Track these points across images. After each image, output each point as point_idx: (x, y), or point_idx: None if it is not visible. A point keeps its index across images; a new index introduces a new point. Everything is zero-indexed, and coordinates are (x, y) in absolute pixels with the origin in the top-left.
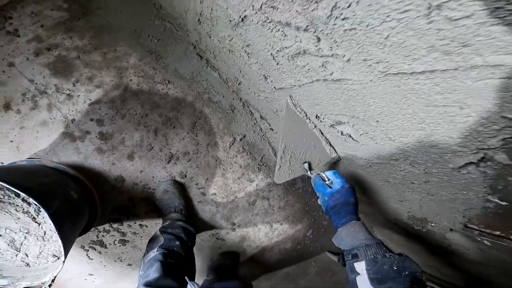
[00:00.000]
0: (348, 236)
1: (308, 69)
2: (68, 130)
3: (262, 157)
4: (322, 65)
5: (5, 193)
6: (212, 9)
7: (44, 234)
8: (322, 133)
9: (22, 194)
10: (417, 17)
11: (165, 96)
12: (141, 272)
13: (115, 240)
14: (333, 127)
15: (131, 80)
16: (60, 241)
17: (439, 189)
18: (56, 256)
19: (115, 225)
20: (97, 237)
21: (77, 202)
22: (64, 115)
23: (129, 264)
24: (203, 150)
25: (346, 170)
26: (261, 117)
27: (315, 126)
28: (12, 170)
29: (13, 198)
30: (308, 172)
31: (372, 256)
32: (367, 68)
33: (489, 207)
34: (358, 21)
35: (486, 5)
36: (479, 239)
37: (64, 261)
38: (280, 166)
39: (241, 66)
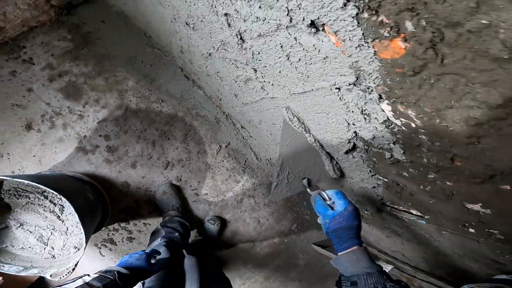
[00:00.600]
0: (349, 262)
1: (256, 90)
2: (81, 145)
3: (245, 161)
4: (262, 87)
5: (35, 196)
6: (188, 45)
7: (67, 230)
8: (322, 147)
9: (51, 195)
10: (285, 61)
11: (160, 113)
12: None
13: (123, 237)
14: None
15: (130, 100)
16: (82, 230)
17: (352, 172)
18: (76, 247)
19: (122, 224)
20: (108, 235)
21: (93, 202)
22: (77, 133)
23: None
24: (194, 157)
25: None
26: (242, 126)
27: (315, 140)
28: (42, 177)
29: (42, 200)
30: (308, 189)
31: (373, 286)
32: (282, 89)
33: (381, 184)
34: (265, 62)
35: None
36: (399, 216)
37: (85, 248)
38: (277, 184)
39: (218, 86)
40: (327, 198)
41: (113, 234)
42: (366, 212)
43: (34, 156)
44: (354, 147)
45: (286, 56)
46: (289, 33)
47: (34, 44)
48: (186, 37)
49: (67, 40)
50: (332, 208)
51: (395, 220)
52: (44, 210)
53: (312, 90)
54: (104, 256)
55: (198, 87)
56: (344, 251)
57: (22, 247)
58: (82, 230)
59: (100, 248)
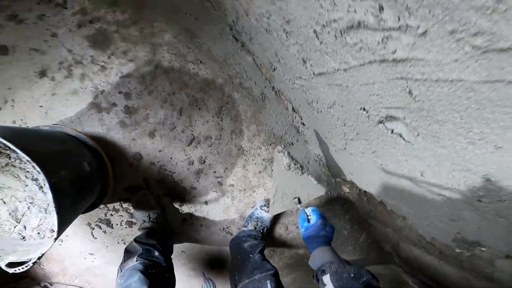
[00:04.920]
0: (317, 257)
1: (360, 48)
2: (96, 100)
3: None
4: (382, 41)
5: (17, 156)
6: None
7: (48, 206)
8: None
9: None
10: None
11: (195, 76)
12: (119, 281)
13: (123, 220)
14: (382, 124)
15: (163, 56)
16: (56, 215)
17: None
18: (53, 231)
19: (125, 205)
20: (105, 215)
21: (87, 175)
22: (95, 86)
23: None
24: (227, 137)
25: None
26: (293, 109)
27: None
28: (28, 133)
29: (24, 163)
30: (298, 206)
31: (335, 269)
32: (455, 43)
33: None
34: None
35: None
36: None
37: (56, 238)
38: (274, 202)
39: (278, 48)
40: (308, 214)
41: (111, 215)
42: (466, 253)
43: (41, 106)
44: None
45: None
46: None
47: None
48: None
49: None
50: (309, 221)
51: None
52: (26, 176)
53: None
54: (95, 238)
55: (247, 52)
56: (315, 250)
57: None
58: (55, 215)
59: (93, 228)
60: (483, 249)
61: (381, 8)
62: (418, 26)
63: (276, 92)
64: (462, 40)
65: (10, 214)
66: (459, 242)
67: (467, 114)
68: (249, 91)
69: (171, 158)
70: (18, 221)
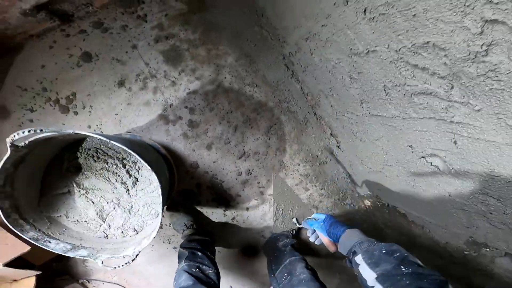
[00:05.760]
0: (347, 240)
1: (424, 107)
2: (165, 113)
3: (321, 170)
4: (446, 107)
5: (114, 162)
6: (333, 34)
7: (131, 208)
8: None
9: (130, 164)
10: None
11: (250, 98)
12: (174, 282)
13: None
14: (424, 158)
15: (225, 77)
16: (160, 217)
17: None
18: (135, 230)
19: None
20: None
21: (168, 181)
22: (165, 99)
23: (174, 247)
24: (272, 153)
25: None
26: (331, 134)
27: None
28: (131, 142)
29: (119, 168)
30: (297, 225)
31: (366, 249)
32: (496, 120)
33: None
34: None
35: None
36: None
37: (154, 237)
38: (275, 219)
39: (337, 86)
40: (314, 217)
41: (163, 216)
42: (473, 253)
43: (116, 114)
44: None
45: None
46: None
47: (153, 1)
48: (342, 25)
49: (184, 2)
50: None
51: None
52: (116, 180)
53: None
54: None
55: (296, 80)
56: (342, 235)
57: (77, 220)
58: (160, 217)
59: None
60: (488, 249)
61: (452, 87)
62: (476, 105)
63: (317, 117)
64: (501, 119)
65: (97, 213)
66: (470, 245)
67: (492, 160)
68: (294, 115)
69: (223, 169)
70: (104, 220)
